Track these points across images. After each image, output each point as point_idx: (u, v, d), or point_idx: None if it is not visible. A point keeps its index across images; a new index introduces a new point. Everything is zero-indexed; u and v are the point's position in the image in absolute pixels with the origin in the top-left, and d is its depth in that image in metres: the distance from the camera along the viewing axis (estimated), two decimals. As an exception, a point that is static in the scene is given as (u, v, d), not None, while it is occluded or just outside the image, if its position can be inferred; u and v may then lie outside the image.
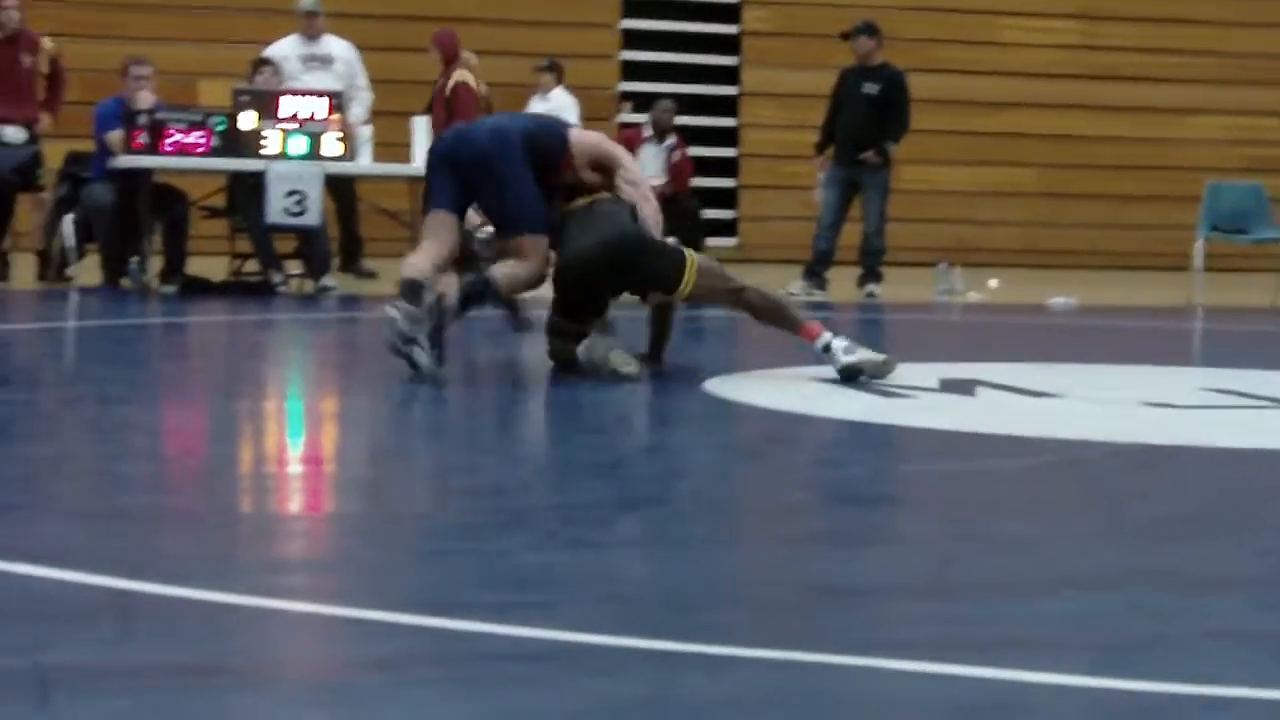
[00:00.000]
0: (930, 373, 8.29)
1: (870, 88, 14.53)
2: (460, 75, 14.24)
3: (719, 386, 7.71)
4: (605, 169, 8.34)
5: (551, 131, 8.44)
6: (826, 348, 7.98)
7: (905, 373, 8.16)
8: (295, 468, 5.79)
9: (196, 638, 3.47)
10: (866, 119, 14.42)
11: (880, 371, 7.97)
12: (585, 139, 8.44)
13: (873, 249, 14.63)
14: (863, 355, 7.98)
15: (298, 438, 6.57)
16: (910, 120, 14.67)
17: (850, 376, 7.89)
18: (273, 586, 3.90)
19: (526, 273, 8.22)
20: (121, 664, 3.26)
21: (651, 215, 8.23)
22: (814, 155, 14.98)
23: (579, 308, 8.13)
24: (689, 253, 8.20)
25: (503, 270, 8.20)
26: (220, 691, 3.12)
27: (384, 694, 3.14)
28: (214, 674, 3.23)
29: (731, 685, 3.27)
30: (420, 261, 8.09)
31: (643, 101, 17.59)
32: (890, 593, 4.10)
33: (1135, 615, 3.89)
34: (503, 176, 8.10)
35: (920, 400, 7.49)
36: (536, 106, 17.12)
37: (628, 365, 7.88)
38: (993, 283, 15.32)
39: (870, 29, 14.78)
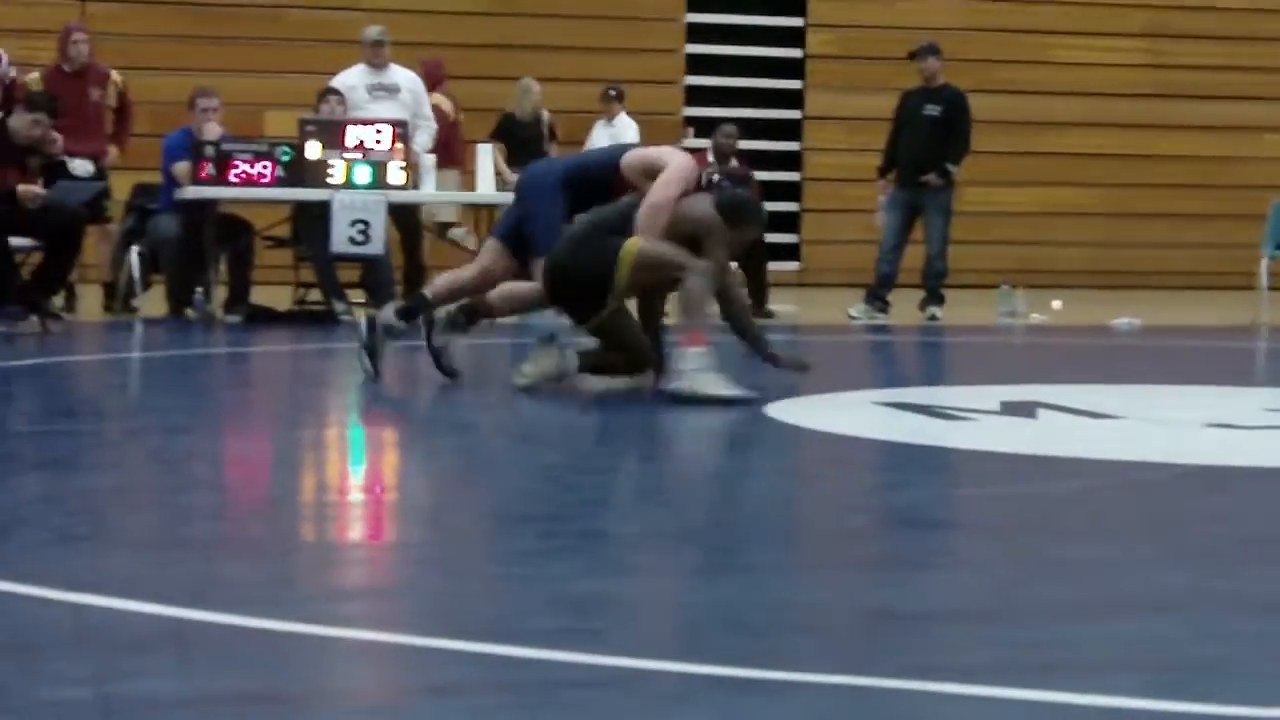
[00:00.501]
0: (992, 395, 8.27)
1: (932, 109, 14.51)
2: (434, 99, 14.59)
3: (781, 411, 7.71)
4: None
5: (602, 161, 8.91)
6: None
7: (967, 395, 8.15)
8: (356, 496, 5.82)
9: (258, 666, 3.49)
10: (929, 141, 14.40)
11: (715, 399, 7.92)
12: (634, 157, 8.68)
13: (935, 271, 14.60)
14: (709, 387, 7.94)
15: (359, 466, 6.60)
16: (971, 141, 14.65)
17: (679, 399, 7.91)
18: (333, 615, 3.92)
19: (528, 292, 8.83)
20: (184, 693, 3.28)
21: (649, 223, 8.21)
22: (876, 178, 14.97)
23: (570, 313, 8.48)
24: (625, 250, 8.14)
25: (443, 281, 9.08)
26: (281, 719, 3.14)
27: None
28: (275, 702, 3.26)
29: (793, 711, 3.27)
30: (442, 279, 9.12)
31: (706, 126, 17.60)
32: (951, 617, 4.09)
33: (1198, 638, 3.87)
34: (532, 209, 8.86)
35: (981, 423, 7.48)
36: (600, 133, 17.17)
37: (726, 389, 7.89)
38: (1056, 304, 15.26)
39: (935, 49, 14.77)
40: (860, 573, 4.59)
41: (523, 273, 8.88)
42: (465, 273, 9.09)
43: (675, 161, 8.50)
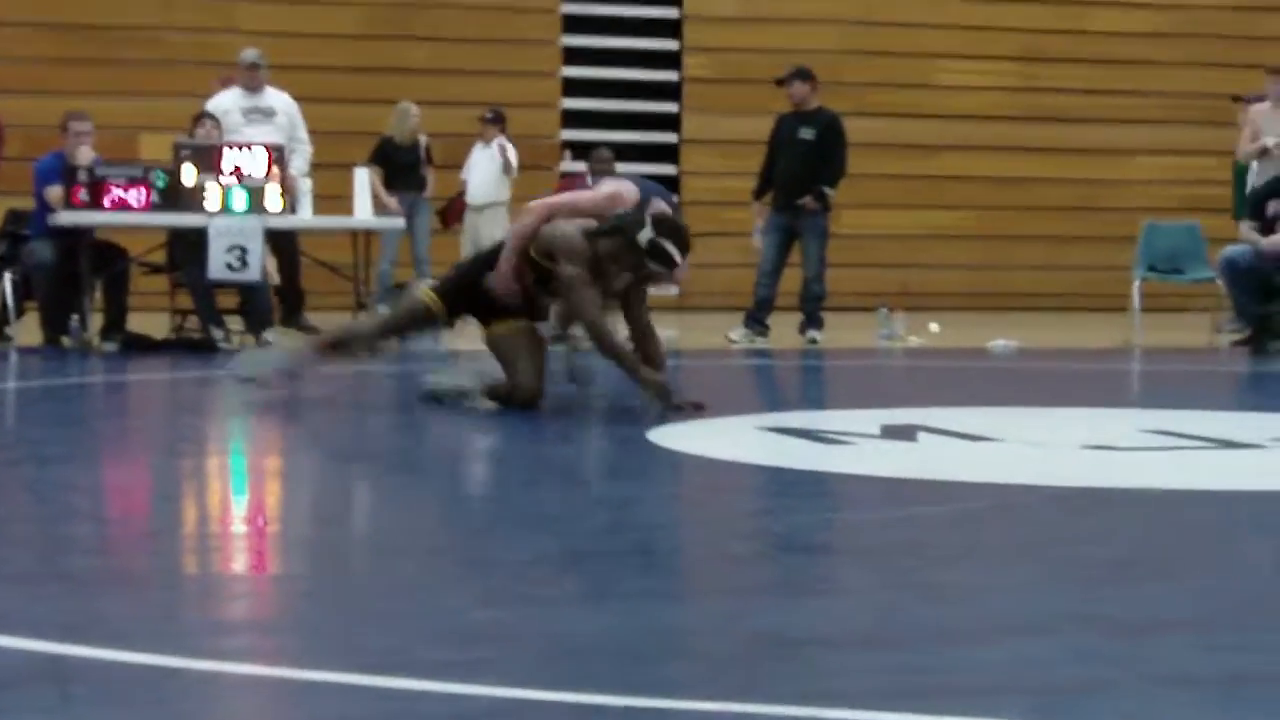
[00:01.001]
0: (872, 419, 8.33)
1: (806, 133, 14.59)
2: None
3: (663, 437, 7.73)
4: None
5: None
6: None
7: (848, 419, 8.20)
8: (238, 528, 5.78)
9: (138, 702, 3.46)
10: (804, 164, 14.47)
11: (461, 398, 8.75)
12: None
13: (813, 295, 14.68)
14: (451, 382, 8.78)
15: (241, 497, 6.56)
16: (847, 164, 14.74)
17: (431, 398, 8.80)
18: (216, 649, 3.89)
19: None
20: (65, 730, 3.25)
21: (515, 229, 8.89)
22: (752, 201, 15.04)
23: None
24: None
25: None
26: (165, 756, 3.12)
27: (329, 755, 3.14)
28: (159, 739, 3.23)
29: (675, 739, 3.29)
30: None
31: (585, 150, 17.64)
32: (832, 643, 4.11)
33: (1074, 661, 3.92)
34: None
35: (861, 447, 7.53)
36: (479, 155, 17.16)
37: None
38: (933, 327, 15.39)
39: (804, 74, 14.83)
40: (743, 599, 4.61)
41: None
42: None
43: (526, 216, 8.81)
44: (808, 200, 14.41)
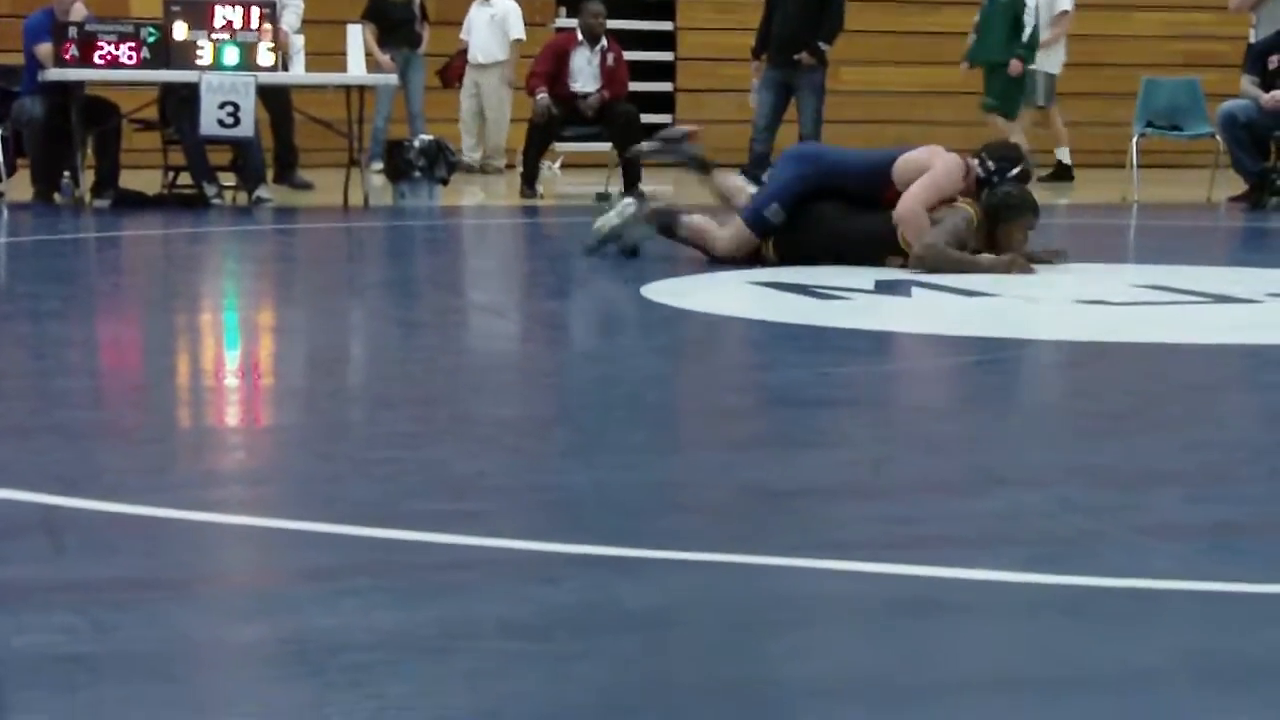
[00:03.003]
0: (867, 275, 8.30)
1: None
2: None
3: (657, 292, 7.72)
4: None
5: (870, 167, 8.97)
6: None
7: (842, 274, 8.19)
8: (230, 381, 5.78)
9: (131, 552, 3.47)
10: (800, 20, 14.35)
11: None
12: (904, 165, 8.82)
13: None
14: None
15: (233, 351, 6.55)
16: (844, 20, 14.63)
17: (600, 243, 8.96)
18: (206, 500, 3.90)
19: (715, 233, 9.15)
20: (56, 579, 3.26)
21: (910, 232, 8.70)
22: (750, 59, 14.93)
23: None
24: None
25: (695, 222, 9.29)
26: (156, 604, 3.13)
27: (317, 604, 3.15)
28: (150, 588, 3.24)
29: (666, 589, 3.29)
30: (696, 220, 9.35)
31: (579, 6, 17.49)
32: (825, 494, 4.12)
33: (1066, 511, 3.93)
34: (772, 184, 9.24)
35: (855, 302, 7.51)
36: (477, 14, 17.02)
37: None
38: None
39: None
40: (736, 451, 4.61)
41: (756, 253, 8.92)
42: (718, 234, 9.08)
43: (937, 165, 8.60)
44: (804, 56, 14.31)
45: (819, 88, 14.51)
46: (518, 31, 16.87)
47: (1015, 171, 8.88)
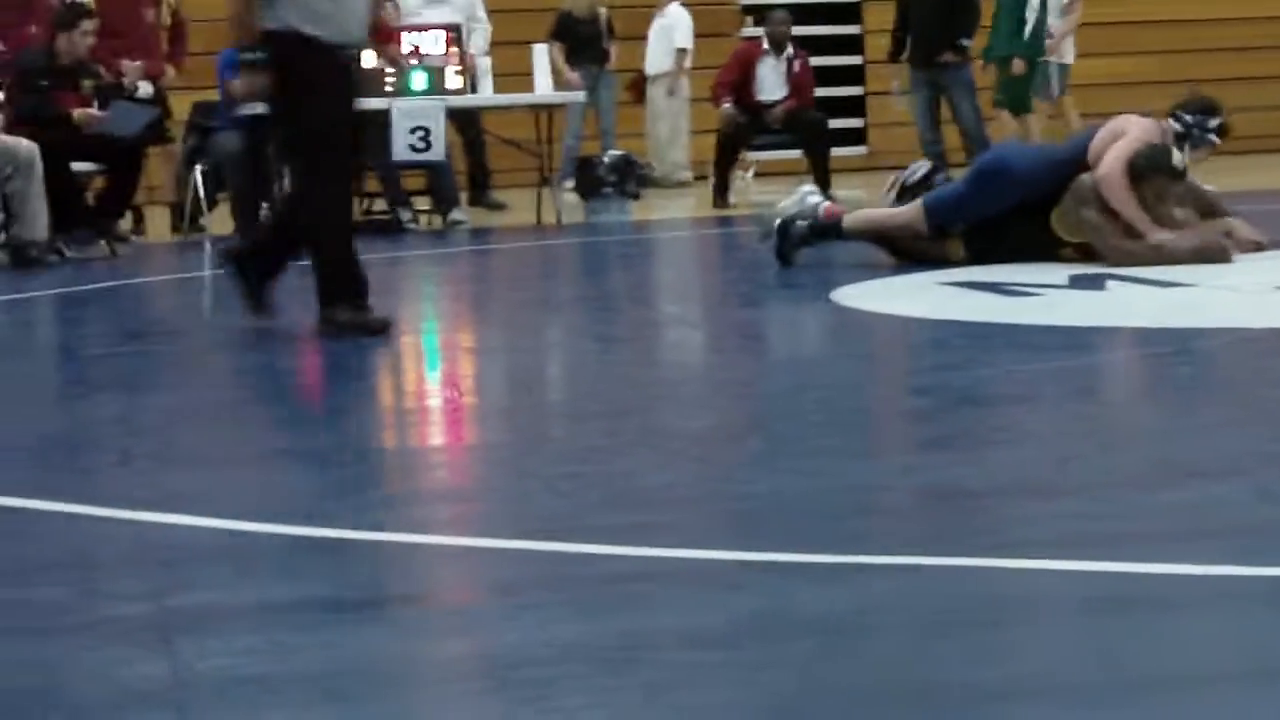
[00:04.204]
0: (1061, 270, 8.17)
1: None
2: None
3: (846, 297, 7.66)
4: None
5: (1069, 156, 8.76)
6: None
7: (1036, 271, 8.08)
8: (425, 402, 5.83)
9: (315, 575, 3.50)
10: (936, 17, 14.09)
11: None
12: (1099, 140, 8.59)
13: (977, 147, 14.26)
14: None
15: (432, 372, 6.61)
16: (980, 13, 14.36)
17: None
18: (392, 521, 3.93)
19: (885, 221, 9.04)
20: (242, 603, 3.30)
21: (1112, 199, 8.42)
22: (888, 62, 14.72)
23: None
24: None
25: (862, 216, 9.08)
26: (341, 624, 3.16)
27: (504, 619, 3.16)
28: (333, 609, 3.27)
29: (850, 594, 3.27)
30: (862, 214, 9.17)
31: (764, 14, 17.45)
32: (1013, 493, 4.06)
33: (1261, 501, 3.84)
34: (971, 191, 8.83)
35: (1049, 298, 7.40)
36: (656, 24, 17.04)
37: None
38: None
39: None
40: (923, 453, 4.57)
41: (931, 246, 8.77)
42: (891, 218, 8.97)
43: (1132, 130, 8.51)
44: (947, 55, 14.07)
45: (967, 83, 14.28)
46: (683, 40, 16.82)
47: (1215, 123, 8.67)
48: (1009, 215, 8.54)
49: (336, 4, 6.96)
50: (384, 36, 11.51)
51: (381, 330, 6.92)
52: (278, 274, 7.48)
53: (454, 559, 3.67)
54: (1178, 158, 8.48)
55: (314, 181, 7.07)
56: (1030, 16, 14.81)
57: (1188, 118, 8.66)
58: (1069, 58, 15.83)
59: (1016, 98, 14.71)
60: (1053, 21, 15.21)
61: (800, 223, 8.89)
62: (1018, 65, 14.64)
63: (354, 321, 6.88)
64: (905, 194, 9.59)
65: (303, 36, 6.90)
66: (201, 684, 2.85)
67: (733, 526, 3.83)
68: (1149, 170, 8.35)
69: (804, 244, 8.86)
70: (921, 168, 10.09)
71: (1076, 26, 15.78)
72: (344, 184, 7.38)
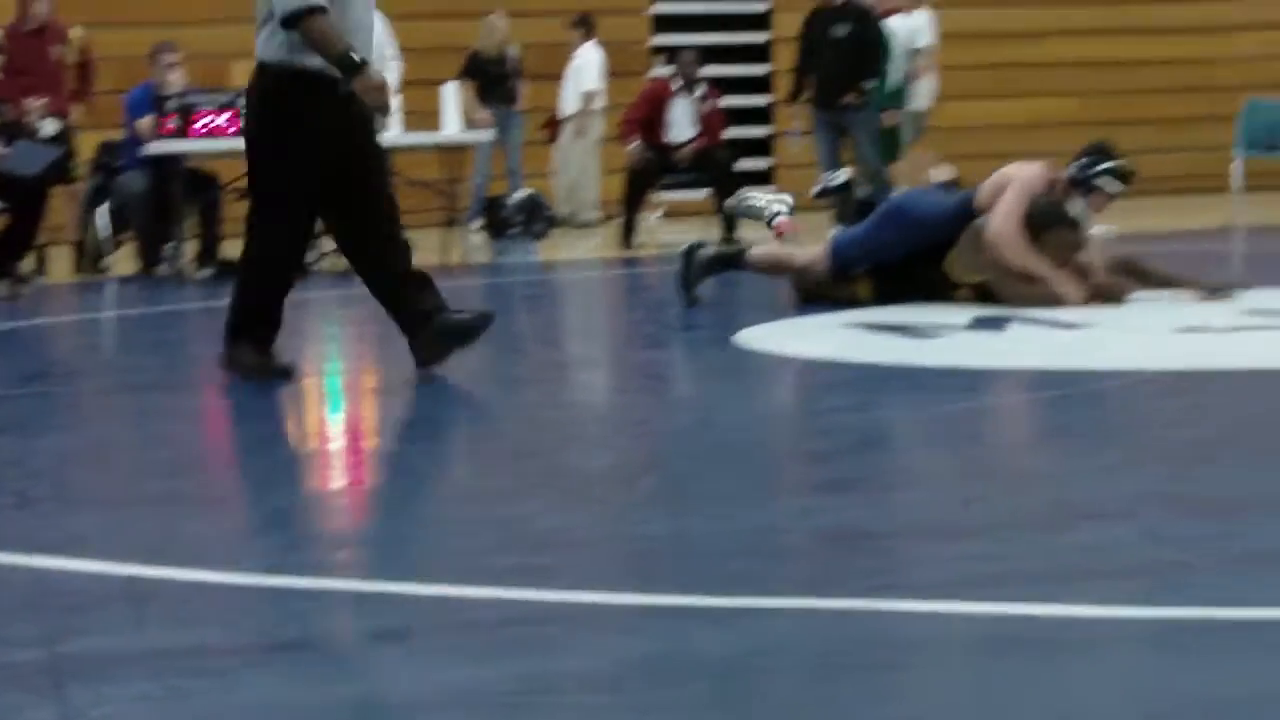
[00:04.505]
0: (964, 311, 8.24)
1: (840, 30, 14.33)
2: None
3: (752, 338, 7.69)
4: None
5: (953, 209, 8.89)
6: None
7: (938, 312, 8.13)
8: (324, 445, 5.81)
9: (211, 619, 3.49)
10: (839, 60, 14.19)
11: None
12: (985, 188, 8.73)
13: (876, 190, 14.25)
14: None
15: (330, 415, 6.59)
16: (887, 55, 14.49)
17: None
18: (290, 565, 3.92)
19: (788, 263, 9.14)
20: (137, 649, 3.28)
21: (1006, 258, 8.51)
22: (788, 103, 14.79)
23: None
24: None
25: (766, 251, 9.14)
26: (238, 671, 3.14)
27: (397, 665, 3.16)
28: (230, 654, 3.25)
29: (744, 636, 3.28)
30: (766, 250, 9.21)
31: (674, 54, 17.52)
32: (908, 535, 4.09)
33: (1152, 543, 3.88)
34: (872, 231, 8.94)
35: (950, 339, 7.46)
36: (570, 66, 17.07)
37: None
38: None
39: None
40: (821, 495, 4.60)
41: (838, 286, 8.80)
42: (792, 257, 8.99)
43: (1018, 177, 8.58)
44: (850, 97, 14.14)
45: (871, 126, 14.33)
46: (590, 83, 16.85)
47: (1105, 167, 8.74)
48: (913, 258, 8.60)
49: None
50: None
51: (285, 375, 6.88)
52: None
53: (350, 603, 3.66)
54: (1074, 207, 8.56)
55: (273, 218, 6.91)
56: (890, 67, 14.92)
57: (1079, 164, 8.74)
58: (922, 104, 15.86)
59: (885, 148, 14.76)
60: (906, 68, 15.32)
61: (705, 250, 8.95)
62: (889, 117, 14.74)
63: (258, 365, 6.83)
64: (824, 197, 10.13)
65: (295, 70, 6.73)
66: (93, 731, 2.84)
67: (630, 569, 3.84)
68: (1047, 224, 8.43)
69: (708, 273, 8.90)
70: (843, 174, 10.26)
71: (928, 73, 15.82)
72: (303, 232, 7.20)
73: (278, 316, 6.96)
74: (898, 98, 15.03)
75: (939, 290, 8.57)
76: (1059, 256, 8.44)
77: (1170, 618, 3.31)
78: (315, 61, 6.71)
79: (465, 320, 6.90)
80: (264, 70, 6.89)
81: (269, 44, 6.83)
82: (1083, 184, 8.68)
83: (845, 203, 9.87)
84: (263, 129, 6.97)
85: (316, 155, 6.78)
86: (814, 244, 8.98)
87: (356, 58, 6.68)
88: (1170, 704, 2.84)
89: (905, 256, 8.58)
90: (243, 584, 3.73)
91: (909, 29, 15.43)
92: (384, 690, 3.01)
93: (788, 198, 9.56)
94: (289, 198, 6.88)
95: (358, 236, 6.98)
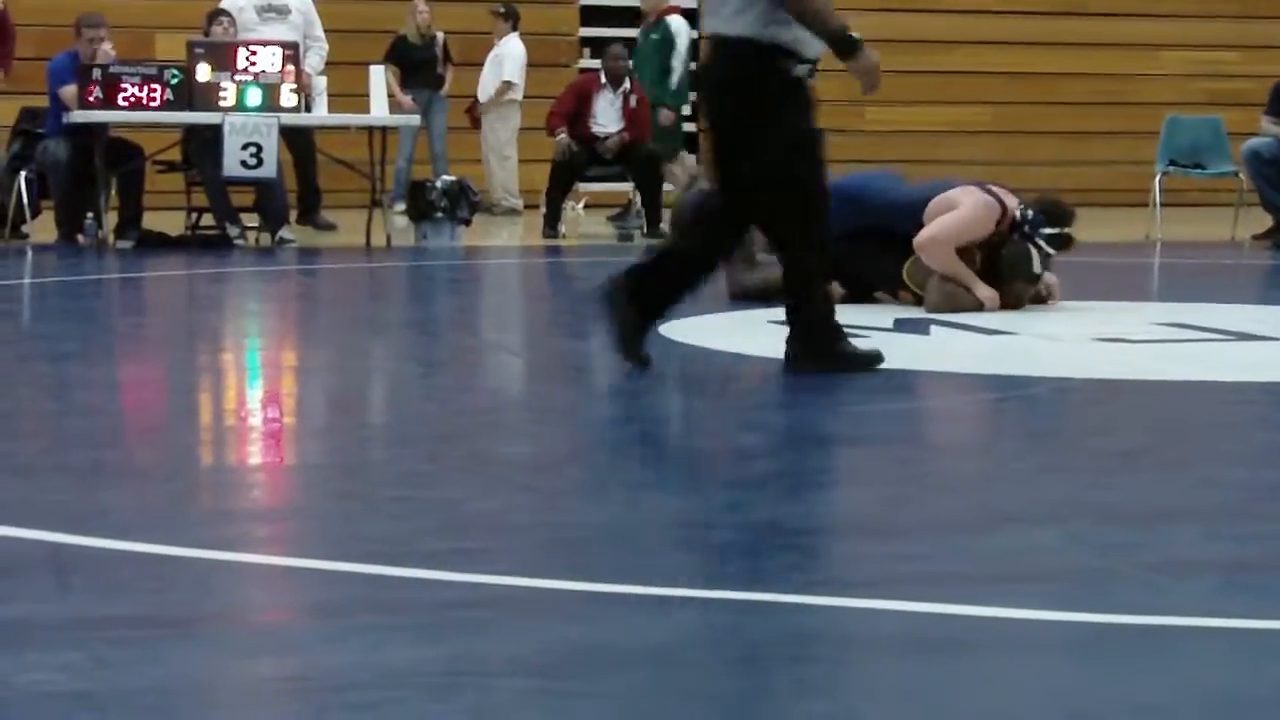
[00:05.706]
0: (886, 313, 8.29)
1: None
2: None
3: (676, 331, 7.70)
4: None
5: (905, 210, 8.79)
6: None
7: (863, 313, 8.17)
8: (246, 420, 5.79)
9: (137, 590, 3.47)
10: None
11: None
12: (935, 205, 8.64)
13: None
14: None
15: (251, 391, 6.57)
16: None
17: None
18: (216, 538, 3.90)
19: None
20: (61, 617, 3.26)
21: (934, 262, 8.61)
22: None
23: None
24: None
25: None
26: (162, 642, 3.12)
27: (326, 642, 3.15)
28: (155, 625, 3.23)
29: (671, 627, 3.29)
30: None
31: (603, 47, 17.52)
32: (834, 532, 4.12)
33: (1075, 549, 3.92)
34: None
35: (873, 340, 7.48)
36: (491, 53, 17.04)
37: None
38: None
39: None
40: (747, 490, 4.61)
41: None
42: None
43: (965, 203, 8.56)
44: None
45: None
46: (509, 74, 16.83)
47: (1050, 233, 8.77)
48: (880, 243, 8.58)
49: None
50: None
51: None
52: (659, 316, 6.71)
53: (278, 579, 3.65)
54: (1036, 264, 8.61)
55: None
56: (677, 65, 15.01)
57: (1029, 214, 8.73)
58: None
59: (667, 148, 14.89)
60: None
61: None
62: (665, 116, 14.85)
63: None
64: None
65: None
66: (17, 699, 2.81)
67: (562, 555, 3.84)
68: (1013, 275, 8.53)
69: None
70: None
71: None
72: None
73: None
74: (680, 96, 15.25)
75: (889, 282, 8.62)
76: (1014, 302, 8.55)
77: (1091, 621, 3.34)
78: (788, 35, 6.13)
79: (861, 353, 6.49)
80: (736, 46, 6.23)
81: (740, 18, 6.19)
82: (1022, 229, 8.67)
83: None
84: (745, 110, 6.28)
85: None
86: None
87: (856, 35, 6.16)
88: (1090, 705, 2.87)
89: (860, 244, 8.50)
90: (168, 554, 3.70)
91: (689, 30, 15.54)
92: (316, 667, 3.01)
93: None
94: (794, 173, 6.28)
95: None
